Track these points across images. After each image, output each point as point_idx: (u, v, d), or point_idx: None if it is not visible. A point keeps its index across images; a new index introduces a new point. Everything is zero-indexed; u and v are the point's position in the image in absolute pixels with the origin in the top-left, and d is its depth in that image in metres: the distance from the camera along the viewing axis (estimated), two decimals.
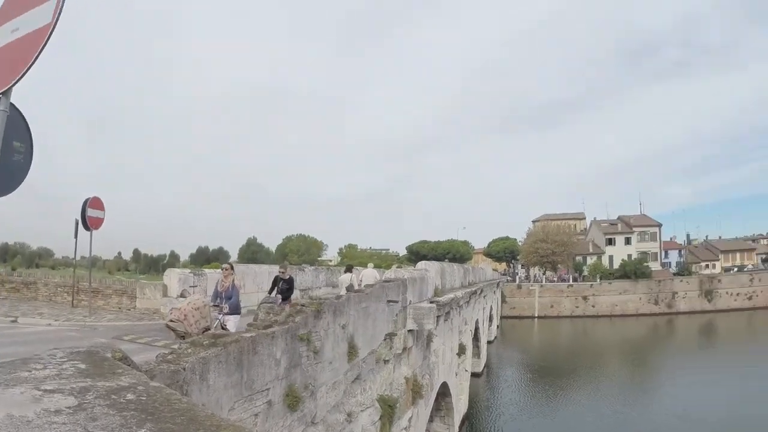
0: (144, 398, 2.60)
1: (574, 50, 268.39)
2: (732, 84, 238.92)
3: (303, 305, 7.88)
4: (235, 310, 10.26)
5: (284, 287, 12.88)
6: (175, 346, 5.63)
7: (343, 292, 11.30)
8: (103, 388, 2.71)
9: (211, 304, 10.22)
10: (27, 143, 4.52)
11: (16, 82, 4.02)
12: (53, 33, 3.89)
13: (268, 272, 18.80)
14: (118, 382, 2.86)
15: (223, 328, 9.28)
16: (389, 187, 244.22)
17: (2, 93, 4.07)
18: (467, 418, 27.19)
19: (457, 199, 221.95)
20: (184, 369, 4.61)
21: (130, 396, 2.61)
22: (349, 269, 18.46)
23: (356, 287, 11.71)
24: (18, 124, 4.44)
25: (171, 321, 8.65)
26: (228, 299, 10.19)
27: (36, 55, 3.92)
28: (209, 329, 8.39)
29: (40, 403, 2.35)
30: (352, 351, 9.39)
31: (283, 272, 13.19)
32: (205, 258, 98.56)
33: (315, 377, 7.85)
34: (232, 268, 10.87)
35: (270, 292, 13.24)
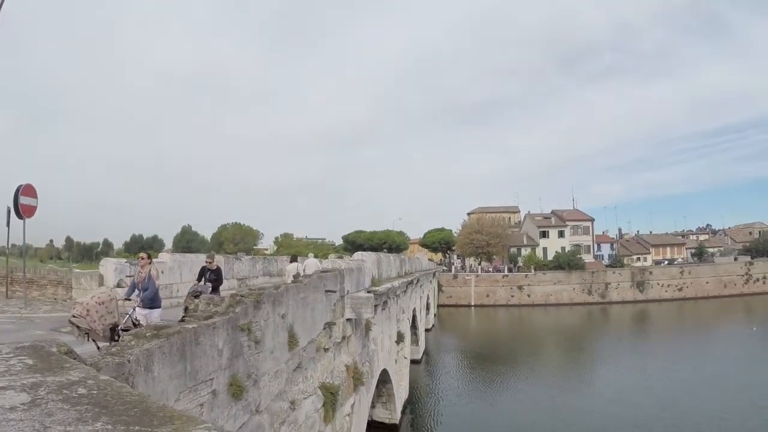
0: (95, 392, 2.63)
1: (510, 50, 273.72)
2: (662, 89, 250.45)
3: (242, 295, 7.98)
4: (152, 303, 9.74)
5: (212, 278, 12.48)
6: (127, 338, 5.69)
7: (290, 281, 11.46)
8: (54, 383, 2.74)
9: (125, 297, 9.78)
10: None
11: None
12: None
13: (194, 263, 18.59)
14: (68, 377, 2.89)
15: (135, 324, 8.72)
16: (325, 177, 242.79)
17: None
18: (408, 404, 27.70)
19: (392, 191, 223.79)
20: (129, 361, 4.66)
21: (81, 390, 2.64)
22: (294, 259, 18.51)
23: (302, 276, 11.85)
24: None
25: (73, 316, 8.04)
26: (144, 291, 9.69)
27: None
28: (117, 325, 8.02)
29: None
30: (292, 340, 9.57)
31: (210, 263, 12.76)
32: (139, 246, 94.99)
33: (257, 366, 8.00)
34: (149, 257, 10.38)
35: (198, 281, 12.72)
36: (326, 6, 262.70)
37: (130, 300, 9.63)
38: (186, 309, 11.09)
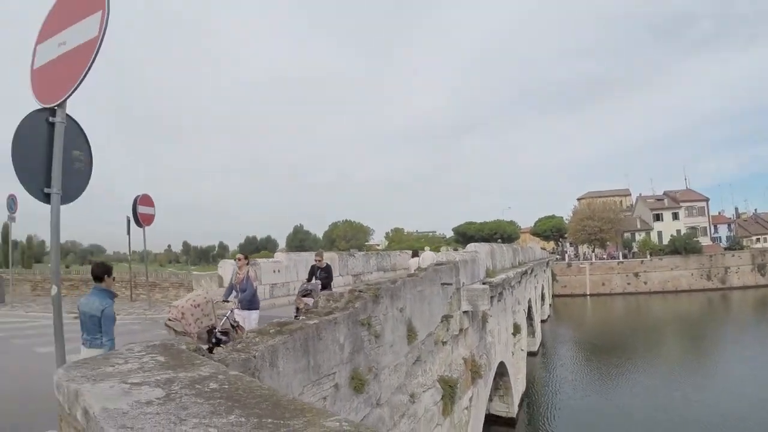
0: (226, 386, 2.68)
1: (606, 26, 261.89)
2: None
3: (361, 291, 8.02)
4: (250, 304, 9.77)
5: (322, 276, 12.58)
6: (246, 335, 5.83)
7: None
8: (186, 378, 2.80)
9: (223, 299, 9.90)
10: (86, 151, 4.77)
11: (70, 95, 4.27)
12: (101, 46, 4.07)
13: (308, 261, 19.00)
14: (199, 372, 2.95)
15: (234, 326, 8.66)
16: (430, 170, 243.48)
17: (57, 106, 4.34)
18: (525, 397, 27.11)
19: (499, 180, 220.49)
20: (255, 357, 4.74)
21: (213, 385, 2.70)
22: (415, 253, 18.57)
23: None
24: (76, 134, 4.66)
25: (168, 320, 8.10)
26: (242, 292, 9.75)
27: (87, 68, 4.12)
28: (214, 327, 8.01)
29: (131, 396, 2.46)
30: (411, 333, 9.55)
31: (319, 260, 12.87)
32: (254, 247, 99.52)
33: (377, 360, 8.02)
34: (246, 258, 10.38)
35: (308, 280, 12.85)
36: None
37: (228, 302, 9.68)
38: (297, 309, 11.33)
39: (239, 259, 10.25)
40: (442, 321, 11.76)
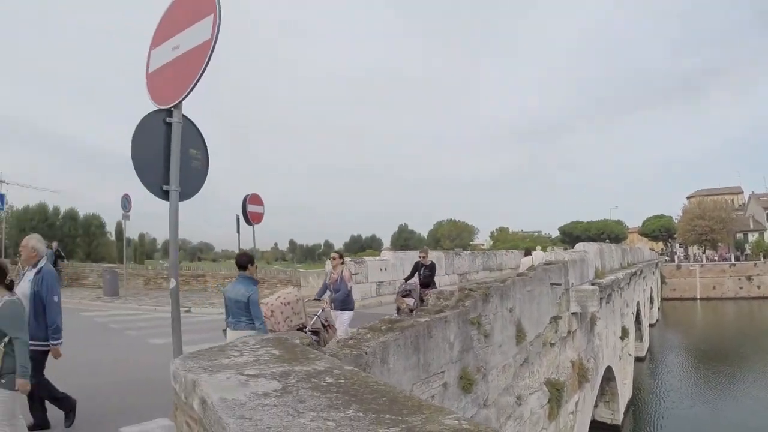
0: (342, 381, 2.66)
1: (712, 13, 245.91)
2: None
3: (471, 289, 7.90)
4: (344, 304, 9.44)
5: (426, 273, 12.23)
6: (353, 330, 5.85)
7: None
8: (302, 372, 2.80)
9: (315, 297, 9.65)
10: (202, 150, 4.88)
11: (185, 97, 4.36)
12: (215, 48, 4.14)
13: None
14: (314, 367, 2.94)
15: (325, 325, 8.40)
16: (534, 168, 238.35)
17: (174, 107, 4.45)
18: (631, 404, 25.99)
19: (605, 178, 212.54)
20: (366, 353, 4.77)
21: (329, 379, 2.69)
22: (528, 252, 18.25)
23: None
24: (193, 133, 4.78)
25: None
26: (336, 292, 9.42)
27: (202, 69, 4.20)
28: (305, 326, 7.82)
29: (248, 387, 2.49)
30: (519, 334, 9.33)
31: (423, 257, 12.55)
32: (359, 246, 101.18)
33: (486, 360, 7.89)
34: (341, 257, 9.95)
35: (409, 278, 12.53)
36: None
37: (319, 300, 9.40)
38: (398, 309, 11.21)
39: (334, 258, 9.96)
40: (550, 322, 11.44)
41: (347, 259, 18.09)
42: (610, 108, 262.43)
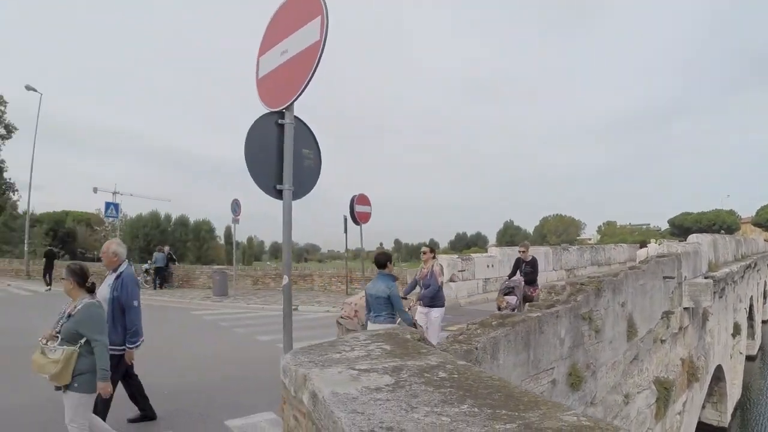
0: (456, 376, 2.60)
1: None
2: None
3: (582, 283, 7.62)
4: (433, 301, 8.79)
5: (527, 270, 11.49)
6: (462, 326, 5.71)
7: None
8: (414, 366, 2.77)
9: (403, 295, 8.77)
10: (314, 149, 4.97)
11: (297, 98, 4.42)
12: (324, 48, 4.15)
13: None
14: (427, 361, 2.90)
15: (414, 324, 7.45)
16: (639, 159, 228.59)
17: (285, 108, 4.53)
18: (739, 405, 24.57)
19: (714, 166, 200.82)
20: (477, 348, 4.69)
21: (441, 374, 2.63)
22: (643, 244, 17.59)
23: None
24: (305, 134, 4.86)
25: (341, 317, 7.95)
26: (425, 288, 8.84)
27: (312, 70, 4.24)
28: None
29: (359, 382, 2.46)
30: (631, 330, 8.92)
31: (524, 252, 11.78)
32: (464, 243, 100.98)
33: (596, 357, 7.59)
34: (432, 252, 9.37)
35: (511, 275, 11.82)
36: None
37: (406, 299, 8.84)
38: (498, 308, 10.82)
39: (424, 253, 9.43)
40: (662, 317, 10.88)
41: (453, 257, 17.93)
42: (723, 87, 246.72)
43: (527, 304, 8.46)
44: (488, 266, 18.12)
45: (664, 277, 10.98)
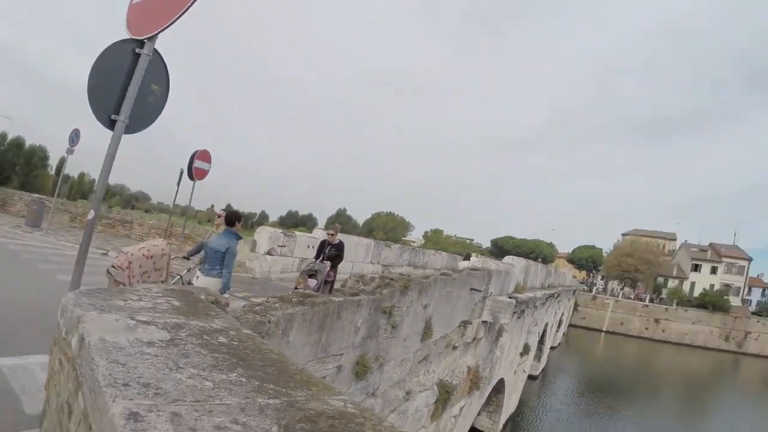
0: (236, 343, 2.58)
1: (691, 65, 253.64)
2: None
3: (392, 278, 7.72)
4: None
5: (332, 253, 11.31)
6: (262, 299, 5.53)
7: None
8: (196, 327, 2.71)
9: (185, 255, 8.60)
10: (164, 87, 4.80)
11: (163, 30, 4.29)
12: None
13: (356, 243, 18.81)
14: (211, 324, 2.84)
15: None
16: (481, 178, 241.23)
17: (147, 38, 4.37)
18: (513, 418, 26.80)
19: (549, 200, 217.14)
20: (269, 322, 4.59)
21: (222, 339, 2.60)
22: (467, 257, 18.22)
23: None
24: (158, 69, 4.69)
25: (112, 266, 7.06)
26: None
27: (185, 7, 4.10)
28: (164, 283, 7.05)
29: (134, 333, 2.37)
30: (427, 331, 9.22)
31: (332, 235, 11.59)
32: (294, 221, 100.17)
33: (387, 351, 7.75)
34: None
35: (317, 257, 11.54)
36: (504, 14, 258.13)
37: (188, 259, 8.50)
38: (296, 288, 10.57)
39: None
40: (459, 326, 11.39)
41: (277, 230, 17.59)
42: (580, 135, 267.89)
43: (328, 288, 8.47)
44: (309, 246, 17.99)
45: (472, 289, 11.50)
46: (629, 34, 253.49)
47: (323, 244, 11.62)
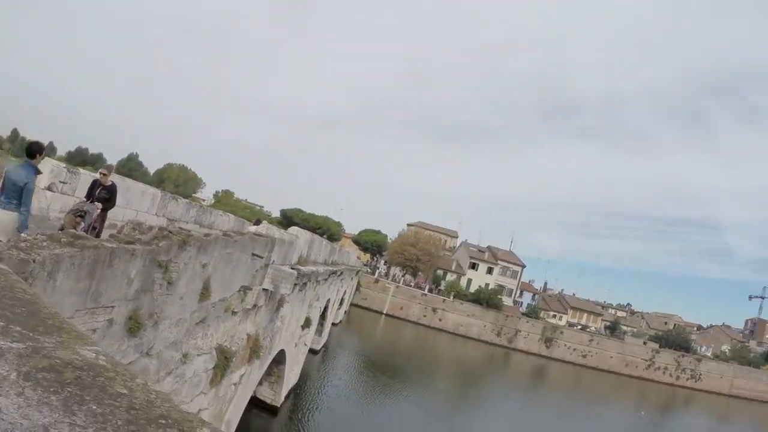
0: None
1: (500, 85, 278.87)
2: (630, 165, 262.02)
3: (171, 231, 7.52)
4: None
5: (102, 195, 10.53)
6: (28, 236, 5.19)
7: None
8: None
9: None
10: None
11: None
12: None
13: (141, 191, 17.78)
14: None
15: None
16: (283, 147, 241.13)
17: None
18: (294, 390, 27.40)
19: (344, 181, 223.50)
20: (35, 261, 4.25)
21: None
22: (258, 222, 17.97)
23: None
24: None
25: None
26: None
27: None
28: None
29: None
30: (205, 292, 9.10)
31: (104, 176, 10.81)
32: (80, 160, 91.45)
33: (162, 308, 7.54)
34: None
35: (87, 197, 10.67)
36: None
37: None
38: (62, 228, 9.90)
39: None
40: (239, 291, 11.40)
41: (60, 164, 16.06)
42: (385, 126, 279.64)
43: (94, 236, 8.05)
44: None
45: (254, 254, 11.60)
46: (440, 44, 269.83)
47: (94, 184, 10.77)
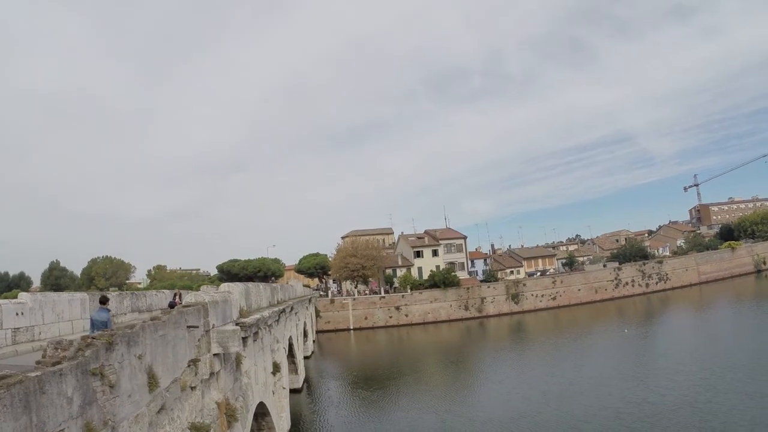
0: None
1: (381, 75, 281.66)
2: (528, 111, 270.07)
3: (93, 337, 7.53)
4: None
5: None
6: None
7: None
8: None
9: None
10: None
11: None
12: None
13: (68, 300, 17.25)
14: None
15: None
16: (198, 205, 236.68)
17: None
18: None
19: (267, 218, 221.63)
20: None
21: None
22: (177, 296, 17.72)
23: None
24: None
25: None
26: None
27: None
28: None
29: None
30: (152, 381, 9.10)
31: None
32: (5, 285, 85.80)
33: (114, 412, 7.53)
34: None
35: None
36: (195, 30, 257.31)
37: None
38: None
39: None
40: (189, 365, 11.37)
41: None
42: (280, 150, 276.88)
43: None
44: (18, 314, 15.91)
45: (189, 327, 11.59)
46: (317, 51, 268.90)
47: None
